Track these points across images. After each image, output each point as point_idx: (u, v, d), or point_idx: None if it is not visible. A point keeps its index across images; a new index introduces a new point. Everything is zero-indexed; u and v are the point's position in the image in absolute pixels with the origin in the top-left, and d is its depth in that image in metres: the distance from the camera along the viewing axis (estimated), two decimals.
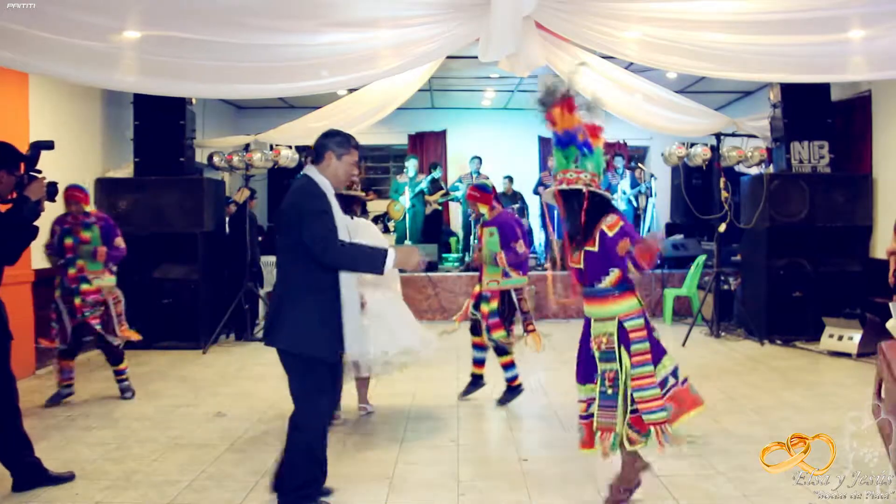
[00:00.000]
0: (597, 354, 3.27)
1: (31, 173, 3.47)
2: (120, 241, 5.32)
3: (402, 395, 5.44)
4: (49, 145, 3.56)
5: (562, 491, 3.56)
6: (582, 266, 3.31)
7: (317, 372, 3.08)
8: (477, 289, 5.20)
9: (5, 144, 3.47)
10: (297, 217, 2.97)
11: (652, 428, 3.15)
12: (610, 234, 3.21)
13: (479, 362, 5.30)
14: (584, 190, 3.25)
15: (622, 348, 3.18)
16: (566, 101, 3.29)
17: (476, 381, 5.33)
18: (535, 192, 11.60)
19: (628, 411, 3.18)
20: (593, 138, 3.33)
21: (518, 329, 5.11)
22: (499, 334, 4.97)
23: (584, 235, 3.30)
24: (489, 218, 5.10)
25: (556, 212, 3.79)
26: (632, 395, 3.16)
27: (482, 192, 5.17)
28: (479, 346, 5.23)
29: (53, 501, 3.48)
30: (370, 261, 3.03)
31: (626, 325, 3.20)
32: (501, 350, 5.10)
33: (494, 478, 3.78)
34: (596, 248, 3.24)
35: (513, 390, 5.16)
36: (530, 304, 5.21)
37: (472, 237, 9.82)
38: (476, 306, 5.13)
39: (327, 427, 3.28)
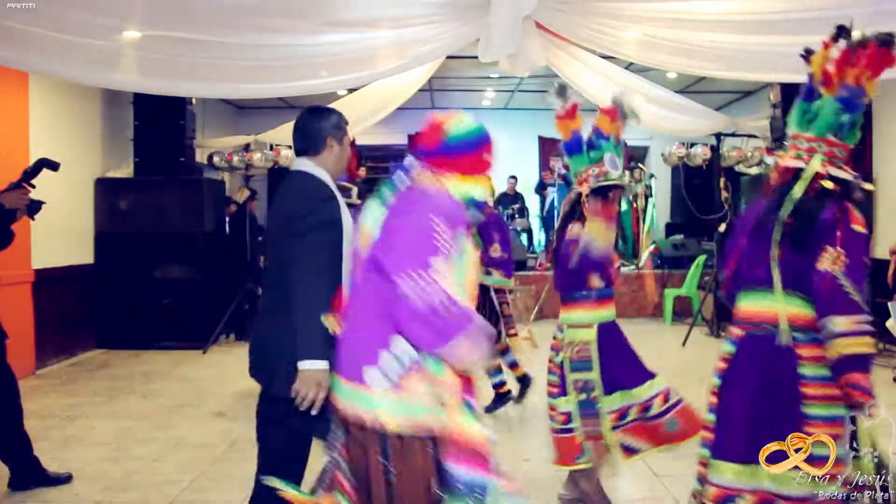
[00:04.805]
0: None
1: (24, 183, 3.47)
2: None
3: None
4: (54, 166, 3.59)
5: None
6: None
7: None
8: None
9: None
10: (304, 226, 2.23)
11: None
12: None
13: (512, 365, 5.05)
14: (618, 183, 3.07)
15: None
16: (568, 110, 3.17)
17: (524, 383, 5.09)
18: (537, 192, 11.62)
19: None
20: (606, 127, 3.12)
21: (519, 331, 5.04)
22: None
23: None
24: None
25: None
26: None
27: None
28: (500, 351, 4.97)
29: (53, 502, 3.48)
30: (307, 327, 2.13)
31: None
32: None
33: None
34: None
35: (500, 398, 4.96)
36: (527, 306, 5.16)
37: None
38: None
39: None
